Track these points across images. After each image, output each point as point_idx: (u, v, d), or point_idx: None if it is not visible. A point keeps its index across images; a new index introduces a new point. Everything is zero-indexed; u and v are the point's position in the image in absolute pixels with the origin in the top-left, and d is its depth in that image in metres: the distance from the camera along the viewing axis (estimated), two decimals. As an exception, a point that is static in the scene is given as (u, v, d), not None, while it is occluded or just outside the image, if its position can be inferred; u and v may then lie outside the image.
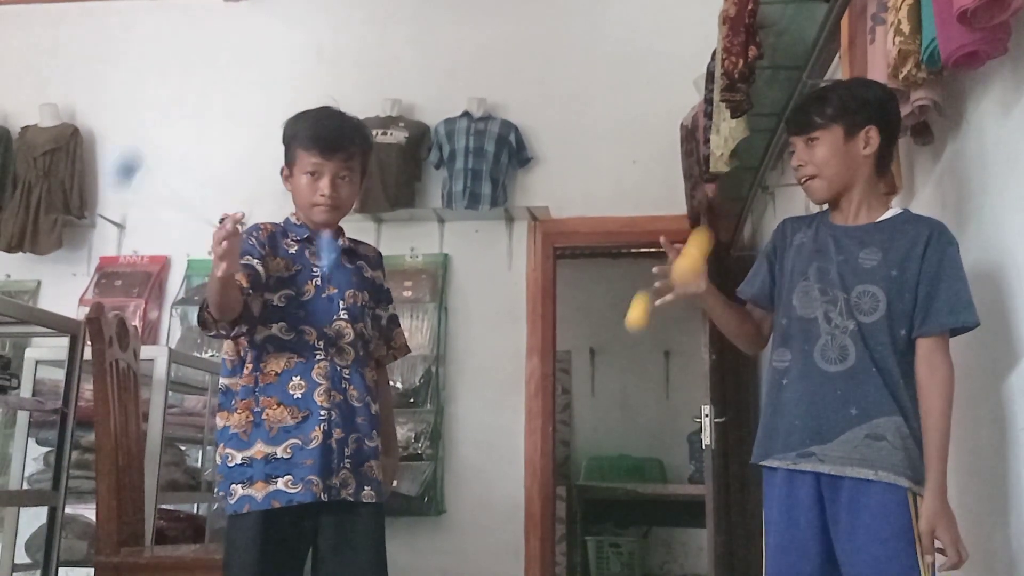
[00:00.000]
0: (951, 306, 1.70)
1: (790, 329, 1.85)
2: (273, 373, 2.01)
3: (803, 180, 1.87)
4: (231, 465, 1.99)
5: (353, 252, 2.20)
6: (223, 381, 2.08)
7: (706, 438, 3.65)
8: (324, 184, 2.07)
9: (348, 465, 2.01)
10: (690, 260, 1.83)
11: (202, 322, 1.96)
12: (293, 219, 2.16)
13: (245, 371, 2.03)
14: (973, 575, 1.77)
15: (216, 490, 2.05)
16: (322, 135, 2.07)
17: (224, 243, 1.74)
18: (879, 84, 1.95)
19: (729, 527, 4.02)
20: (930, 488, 1.65)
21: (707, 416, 3.64)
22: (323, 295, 2.08)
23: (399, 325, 2.30)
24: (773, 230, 2.01)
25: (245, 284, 1.94)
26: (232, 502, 1.97)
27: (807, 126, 1.84)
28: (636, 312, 1.84)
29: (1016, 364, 1.70)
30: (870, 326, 1.74)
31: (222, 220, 1.77)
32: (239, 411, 2.01)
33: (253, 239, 2.05)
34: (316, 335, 2.04)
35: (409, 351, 2.34)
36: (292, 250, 2.09)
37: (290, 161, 2.13)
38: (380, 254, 2.29)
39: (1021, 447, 1.67)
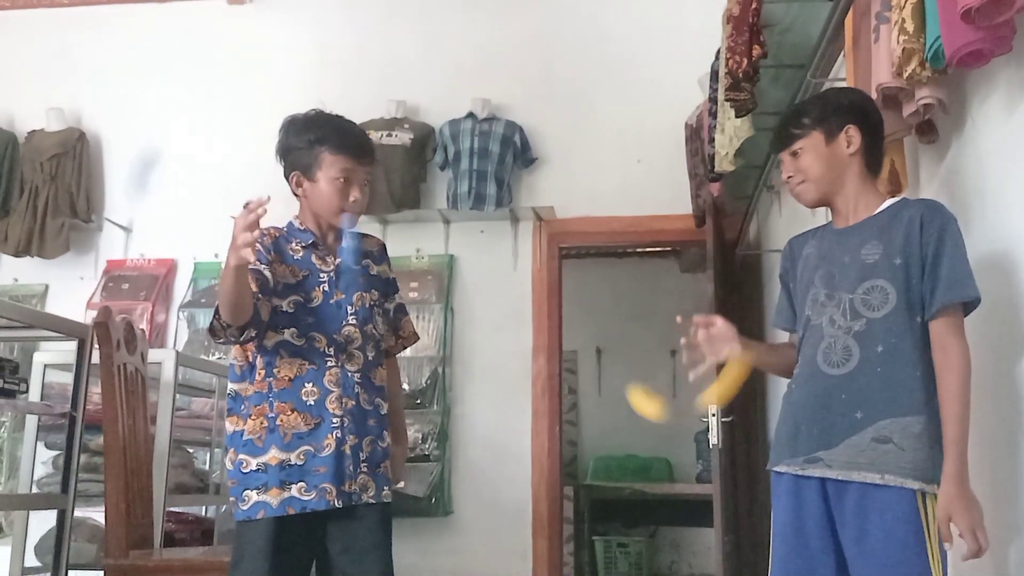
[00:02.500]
0: (949, 283, 1.68)
1: (804, 337, 1.86)
2: (286, 378, 2.01)
3: (793, 188, 1.91)
4: (246, 471, 1.99)
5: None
6: (232, 386, 2.08)
7: (713, 437, 3.64)
8: (356, 191, 2.07)
9: (365, 469, 2.03)
10: (724, 389, 1.90)
11: (211, 329, 1.96)
12: (296, 223, 2.15)
13: (257, 376, 2.03)
14: (983, 572, 1.76)
15: (230, 493, 2.05)
16: (354, 141, 2.08)
17: (247, 232, 1.74)
18: (853, 89, 2.01)
19: (737, 526, 4.01)
20: (946, 474, 1.62)
21: (714, 415, 3.64)
22: (331, 300, 2.08)
23: (406, 314, 2.30)
24: (781, 253, 2.03)
25: (255, 288, 1.94)
26: (245, 508, 1.97)
27: (789, 140, 1.89)
28: (651, 407, 1.92)
29: (1023, 355, 1.69)
30: (881, 320, 1.73)
31: (246, 205, 1.76)
32: (253, 417, 2.01)
33: (259, 245, 2.02)
34: (326, 342, 2.04)
35: (418, 338, 2.35)
36: (298, 256, 2.09)
37: (308, 164, 2.08)
38: (384, 246, 2.28)
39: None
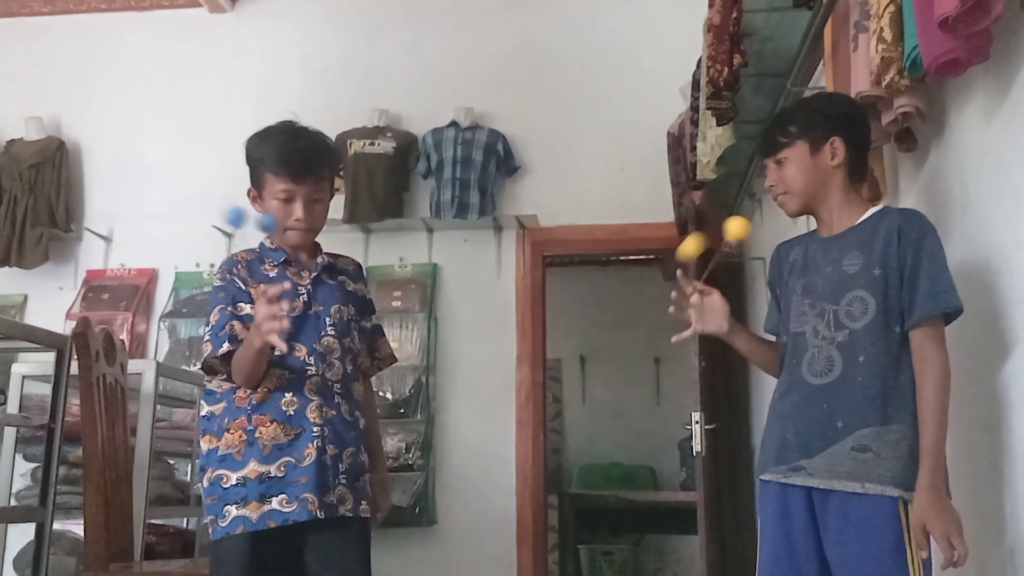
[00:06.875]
0: (929, 293, 1.68)
1: (788, 346, 1.87)
2: (265, 390, 1.99)
3: (776, 197, 1.92)
4: (226, 486, 1.95)
5: (332, 267, 2.17)
6: (208, 408, 2.05)
7: (697, 445, 3.65)
8: (298, 209, 2.04)
9: (344, 480, 2.00)
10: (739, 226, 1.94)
11: (210, 370, 2.01)
12: (268, 243, 2.13)
13: (239, 392, 2.00)
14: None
15: (206, 513, 2.01)
16: (291, 160, 2.02)
17: (276, 323, 1.80)
18: (843, 97, 2.00)
19: (721, 533, 4.02)
20: (921, 482, 1.62)
21: (697, 423, 3.64)
22: (310, 312, 2.07)
23: (383, 335, 2.28)
24: (770, 259, 2.04)
25: (247, 330, 1.96)
26: (224, 524, 1.94)
27: (774, 147, 1.90)
28: (692, 246, 1.94)
29: (1004, 363, 1.70)
30: (860, 331, 1.74)
31: (266, 294, 1.83)
32: (231, 431, 1.98)
33: (237, 280, 2.04)
34: (306, 351, 2.02)
35: (395, 360, 2.32)
36: (272, 274, 2.07)
37: (258, 184, 2.08)
38: (360, 265, 2.28)
39: (1011, 446, 1.67)
